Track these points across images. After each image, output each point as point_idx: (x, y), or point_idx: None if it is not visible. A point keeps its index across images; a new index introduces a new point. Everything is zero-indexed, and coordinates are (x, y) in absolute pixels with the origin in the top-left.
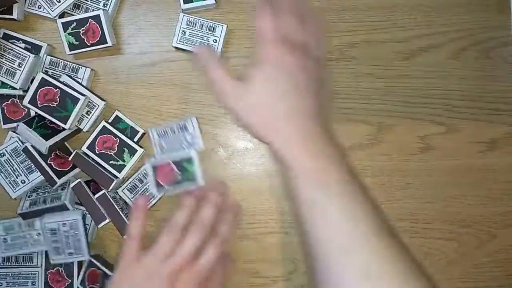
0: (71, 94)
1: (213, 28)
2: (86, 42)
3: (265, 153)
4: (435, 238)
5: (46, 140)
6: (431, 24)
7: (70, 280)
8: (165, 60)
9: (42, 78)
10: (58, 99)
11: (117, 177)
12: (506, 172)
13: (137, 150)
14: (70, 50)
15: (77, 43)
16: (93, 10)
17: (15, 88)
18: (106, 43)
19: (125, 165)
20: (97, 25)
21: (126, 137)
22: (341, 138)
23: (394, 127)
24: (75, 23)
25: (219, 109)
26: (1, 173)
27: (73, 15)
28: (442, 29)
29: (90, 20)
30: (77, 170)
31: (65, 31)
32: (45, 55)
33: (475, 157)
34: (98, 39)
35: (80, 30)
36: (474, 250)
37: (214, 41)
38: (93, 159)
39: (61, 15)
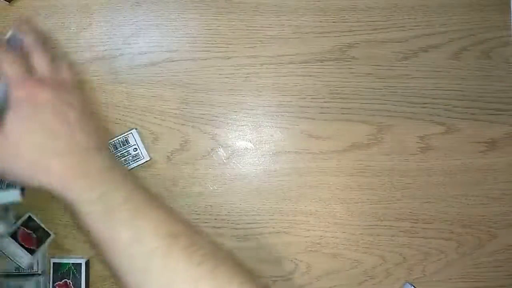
0: None
1: (126, 139)
2: None
3: (265, 153)
4: (435, 238)
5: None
6: (431, 24)
7: None
8: (165, 60)
9: None
10: None
11: None
12: (506, 172)
13: None
14: None
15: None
16: None
17: None
18: None
19: None
20: None
21: None
22: (341, 138)
23: (394, 127)
24: None
25: (219, 109)
26: None
27: None
28: (442, 29)
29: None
30: None
31: None
32: None
33: (475, 157)
34: None
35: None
36: (474, 250)
37: (135, 149)
38: None
39: None
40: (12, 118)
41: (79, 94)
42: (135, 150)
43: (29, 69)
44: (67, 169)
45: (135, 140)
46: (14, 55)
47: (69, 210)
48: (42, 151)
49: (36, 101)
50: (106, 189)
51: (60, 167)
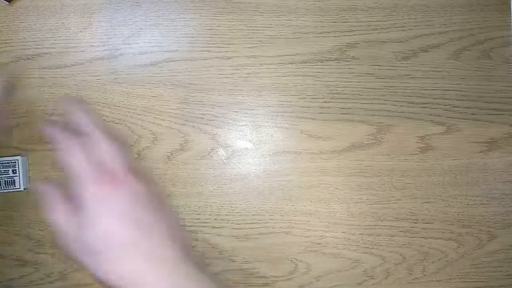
0: None
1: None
2: None
3: (265, 153)
4: (435, 238)
5: None
6: (431, 24)
7: None
8: (165, 60)
9: None
10: None
11: None
12: (506, 172)
13: None
14: None
15: None
16: None
17: None
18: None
19: None
20: None
21: None
22: (341, 138)
23: (394, 127)
24: None
25: (219, 109)
26: None
27: None
28: (442, 29)
29: None
30: None
31: None
32: None
33: (475, 157)
34: None
35: None
36: (474, 250)
37: (14, 172)
38: None
39: None
40: (87, 216)
41: (152, 182)
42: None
43: (95, 160)
44: (148, 277)
45: (19, 166)
46: (79, 147)
47: None
48: (119, 254)
49: (111, 201)
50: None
51: (132, 273)
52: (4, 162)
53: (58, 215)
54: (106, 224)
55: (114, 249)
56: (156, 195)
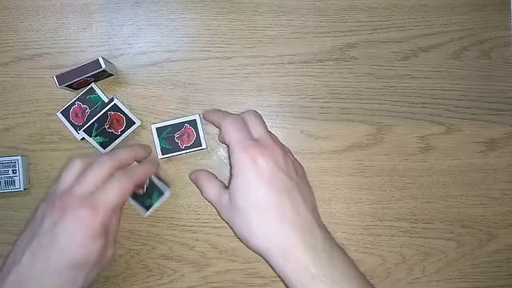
0: None
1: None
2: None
3: None
4: (435, 238)
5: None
6: (431, 24)
7: None
8: (165, 60)
9: None
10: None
11: None
12: (506, 172)
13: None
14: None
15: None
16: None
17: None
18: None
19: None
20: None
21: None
22: (341, 138)
23: (394, 127)
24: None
25: (219, 109)
26: None
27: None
28: (442, 29)
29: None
30: None
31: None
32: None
33: (475, 157)
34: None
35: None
36: (474, 250)
37: (14, 172)
38: None
39: None
40: (237, 183)
41: (296, 161)
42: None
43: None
44: (289, 236)
45: (19, 167)
46: (237, 122)
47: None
48: (266, 217)
49: (260, 169)
50: (326, 273)
51: (282, 237)
52: (4, 162)
53: (213, 190)
54: (256, 189)
55: (262, 212)
56: (290, 159)
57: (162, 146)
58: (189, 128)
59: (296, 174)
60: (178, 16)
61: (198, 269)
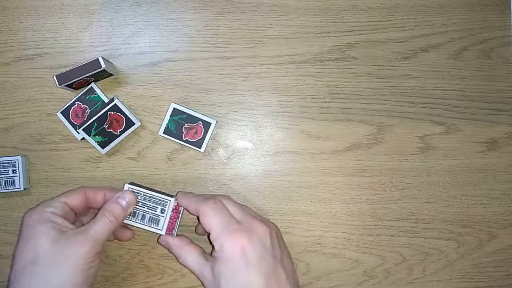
0: None
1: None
2: (182, 136)
3: (265, 153)
4: (435, 238)
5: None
6: (431, 24)
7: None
8: (165, 60)
9: None
10: None
11: None
12: (506, 172)
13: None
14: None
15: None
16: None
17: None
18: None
19: None
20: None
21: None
22: (341, 138)
23: (394, 127)
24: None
25: (219, 109)
26: None
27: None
28: (442, 29)
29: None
30: None
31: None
32: None
33: (475, 157)
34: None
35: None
36: (474, 250)
37: (14, 172)
38: None
39: None
40: (224, 270)
41: (274, 226)
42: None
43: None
44: None
45: (19, 166)
46: (218, 206)
47: None
48: None
49: (247, 257)
50: None
51: None
52: (4, 162)
53: (192, 256)
54: (243, 278)
55: None
56: (273, 232)
57: (167, 126)
58: (201, 127)
59: (279, 248)
60: (178, 16)
61: None
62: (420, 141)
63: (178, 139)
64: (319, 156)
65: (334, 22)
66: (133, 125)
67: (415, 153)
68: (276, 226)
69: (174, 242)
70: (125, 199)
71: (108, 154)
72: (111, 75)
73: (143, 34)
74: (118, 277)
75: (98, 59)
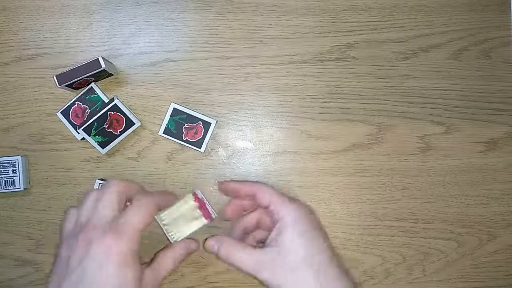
0: None
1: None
2: (182, 136)
3: (265, 153)
4: (435, 238)
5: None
6: (431, 24)
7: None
8: (165, 60)
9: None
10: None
11: None
12: (506, 172)
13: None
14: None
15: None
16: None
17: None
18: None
19: None
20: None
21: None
22: (341, 138)
23: (394, 127)
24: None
25: (219, 109)
26: None
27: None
28: (442, 29)
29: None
30: None
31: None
32: None
33: (475, 157)
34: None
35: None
36: (474, 250)
37: (14, 172)
38: None
39: None
40: (293, 233)
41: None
42: (14, 172)
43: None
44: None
45: (19, 166)
46: (267, 185)
47: None
48: (322, 270)
49: (311, 219)
50: None
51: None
52: (4, 162)
53: (250, 257)
54: (313, 239)
55: (311, 265)
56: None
57: (167, 126)
58: (201, 127)
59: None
60: (178, 16)
61: (198, 269)
62: (420, 141)
63: (178, 139)
64: (319, 156)
65: (334, 22)
66: (133, 125)
67: (415, 153)
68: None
69: (229, 245)
70: (187, 249)
71: (108, 154)
72: (111, 75)
73: (143, 34)
74: None
75: (98, 59)
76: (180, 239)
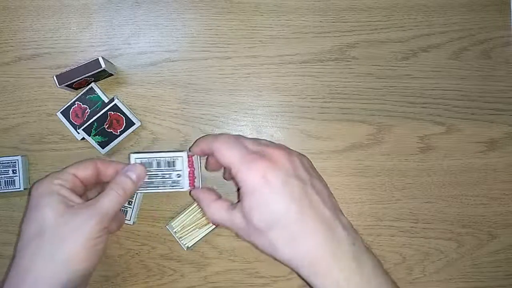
0: None
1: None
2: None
3: None
4: (435, 238)
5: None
6: (431, 24)
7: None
8: (165, 60)
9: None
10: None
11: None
12: (506, 172)
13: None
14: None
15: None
16: None
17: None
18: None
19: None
20: None
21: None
22: (341, 138)
23: (394, 127)
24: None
25: (219, 109)
26: None
27: None
28: (442, 29)
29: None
30: None
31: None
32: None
33: (475, 157)
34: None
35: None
36: (474, 250)
37: (14, 172)
38: None
39: None
40: (251, 203)
41: (299, 154)
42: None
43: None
44: (315, 248)
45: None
46: (231, 139)
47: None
48: (288, 233)
49: (270, 183)
50: (355, 285)
51: (309, 251)
52: (4, 162)
53: (220, 212)
54: (272, 207)
55: (283, 229)
56: (296, 158)
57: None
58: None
59: (307, 173)
60: (178, 16)
61: (198, 269)
62: (420, 141)
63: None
64: (319, 156)
65: (334, 22)
66: (133, 125)
67: (415, 153)
68: (304, 156)
69: (200, 196)
70: (135, 172)
71: (108, 154)
72: (111, 75)
73: (143, 34)
74: (118, 277)
75: (98, 59)
76: (192, 245)
